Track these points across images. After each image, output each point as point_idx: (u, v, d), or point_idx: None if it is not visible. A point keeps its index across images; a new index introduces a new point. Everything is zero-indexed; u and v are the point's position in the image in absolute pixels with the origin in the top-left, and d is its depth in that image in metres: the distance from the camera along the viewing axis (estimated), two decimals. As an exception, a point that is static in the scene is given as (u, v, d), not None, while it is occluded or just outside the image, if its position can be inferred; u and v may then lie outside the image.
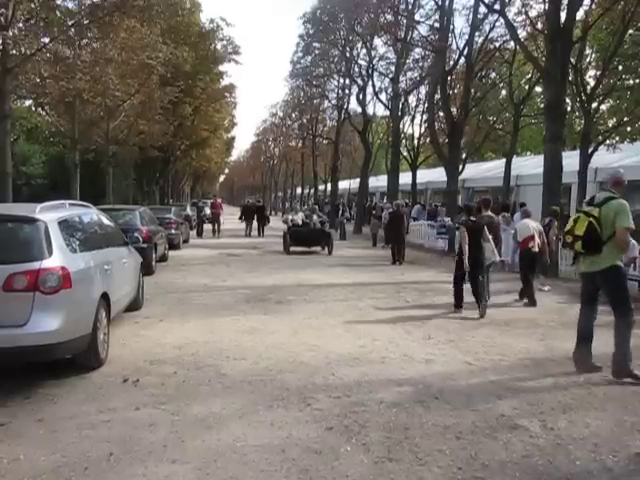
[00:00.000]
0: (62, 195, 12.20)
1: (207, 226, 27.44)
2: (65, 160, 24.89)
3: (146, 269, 10.54)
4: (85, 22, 15.73)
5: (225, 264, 15.35)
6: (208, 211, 30.82)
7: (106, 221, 7.84)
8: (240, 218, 27.64)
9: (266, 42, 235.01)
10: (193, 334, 7.29)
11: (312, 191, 50.73)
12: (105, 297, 6.22)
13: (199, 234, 26.18)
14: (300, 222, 19.21)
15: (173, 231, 18.77)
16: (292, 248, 18.54)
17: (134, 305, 8.49)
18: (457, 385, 5.37)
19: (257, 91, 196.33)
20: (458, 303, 9.03)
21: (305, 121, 45.38)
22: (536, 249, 9.89)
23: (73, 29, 15.33)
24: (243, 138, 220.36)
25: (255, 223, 26.81)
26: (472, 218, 9.18)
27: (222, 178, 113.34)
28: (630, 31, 19.70)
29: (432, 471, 3.70)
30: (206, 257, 17.34)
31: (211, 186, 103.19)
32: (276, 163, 68.64)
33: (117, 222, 9.53)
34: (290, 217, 20.10)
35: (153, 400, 4.90)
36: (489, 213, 10.24)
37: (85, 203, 7.74)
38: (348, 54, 31.57)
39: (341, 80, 36.11)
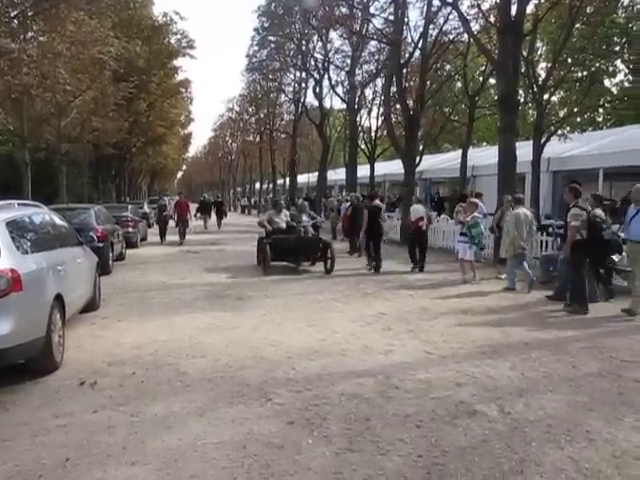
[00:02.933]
0: (13, 196, 11.83)
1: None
2: (15, 159, 24.14)
3: (103, 269, 10.32)
4: (30, 14, 15.23)
5: (184, 261, 15.17)
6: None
7: (59, 221, 7.64)
8: (196, 214, 27.31)
9: (221, 36, 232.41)
10: (152, 333, 7.17)
11: (271, 186, 50.56)
12: (59, 298, 6.06)
13: (162, 238, 21.26)
14: (284, 225, 13.39)
15: (130, 229, 18.42)
16: (274, 263, 12.58)
17: (91, 306, 8.30)
18: (417, 374, 5.43)
19: (213, 86, 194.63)
20: (369, 262, 13.17)
21: (262, 115, 45.25)
22: (424, 228, 13.06)
23: (16, 21, 14.81)
24: (200, 134, 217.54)
25: (214, 217, 26.70)
26: (375, 203, 13.55)
27: (180, 175, 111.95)
28: (577, 25, 20.23)
29: (393, 460, 3.74)
30: (165, 255, 17.09)
31: (169, 183, 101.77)
32: (234, 158, 68.18)
33: (71, 222, 9.31)
34: (266, 218, 13.76)
35: (111, 402, 4.81)
36: (377, 202, 13.98)
37: (36, 203, 7.54)
38: (304, 47, 31.58)
39: (297, 74, 36.22)
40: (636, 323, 7.77)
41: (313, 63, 32.12)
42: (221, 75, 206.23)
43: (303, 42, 31.46)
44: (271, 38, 34.14)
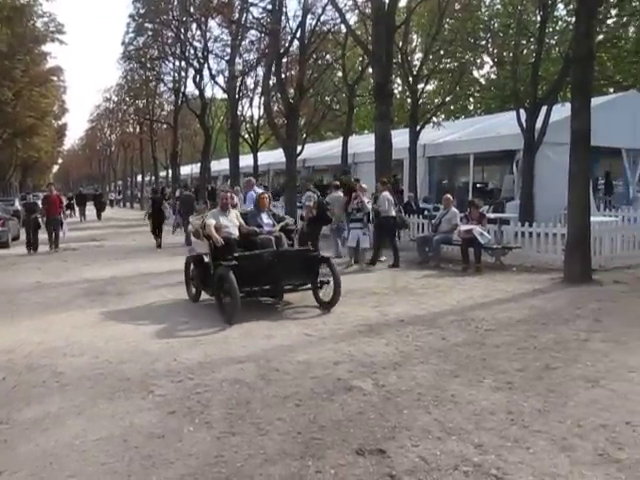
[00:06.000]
0: None
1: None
2: None
3: (-33, 271, 9.54)
4: None
5: (61, 259, 14.45)
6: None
7: None
8: (72, 205, 25.97)
9: (95, 22, 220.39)
10: (26, 335, 6.81)
11: (153, 178, 49.06)
12: None
13: (30, 247, 16.42)
14: (236, 232, 8.19)
15: (-1, 228, 17.16)
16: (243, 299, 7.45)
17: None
18: (296, 356, 5.60)
19: (89, 75, 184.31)
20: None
21: (141, 105, 43.55)
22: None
23: None
24: (76, 125, 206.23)
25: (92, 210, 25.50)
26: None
27: (56, 169, 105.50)
28: (448, 20, 21.38)
29: (273, 439, 3.86)
30: (39, 253, 16.14)
31: (44, 178, 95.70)
32: (113, 150, 65.26)
33: None
34: (210, 223, 7.93)
35: (-24, 412, 4.54)
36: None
37: None
38: (182, 36, 30.69)
39: (177, 62, 35.15)
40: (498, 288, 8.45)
41: (192, 52, 31.30)
42: (97, 63, 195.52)
43: (181, 30, 30.55)
44: (148, 25, 32.87)
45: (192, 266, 8.63)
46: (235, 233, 8.13)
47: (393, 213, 11.67)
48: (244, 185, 11.01)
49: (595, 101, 14.27)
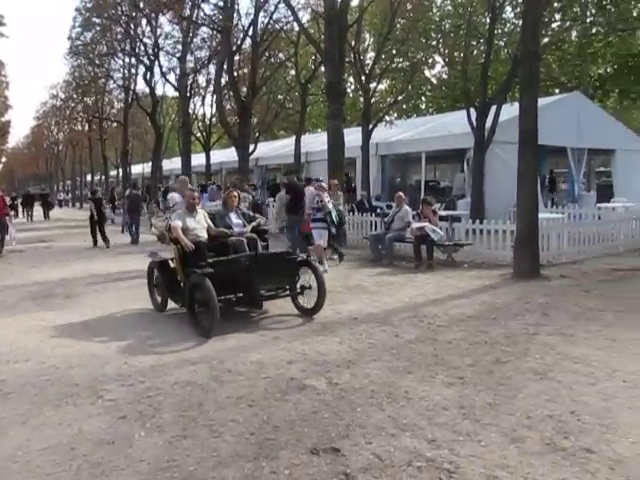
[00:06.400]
0: None
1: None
2: None
3: None
4: None
5: (6, 262, 13.94)
6: None
7: None
8: (16, 206, 25.26)
9: (39, 14, 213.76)
10: (-35, 342, 6.54)
11: (103, 178, 48.01)
12: None
13: None
14: (204, 234, 7.54)
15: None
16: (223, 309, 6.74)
17: None
18: (249, 356, 5.54)
19: (34, 70, 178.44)
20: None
21: (90, 103, 42.55)
22: None
23: None
24: (21, 122, 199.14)
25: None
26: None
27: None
28: (400, 20, 21.64)
29: (226, 441, 3.81)
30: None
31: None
32: (61, 149, 63.52)
33: None
34: (176, 224, 7.28)
35: None
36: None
37: None
38: (132, 32, 30.11)
39: (126, 59, 34.49)
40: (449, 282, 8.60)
41: (143, 48, 30.79)
42: (42, 58, 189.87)
43: (131, 26, 29.95)
44: (96, 20, 32.13)
45: (156, 272, 7.74)
46: (203, 236, 7.45)
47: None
48: (178, 185, 10.49)
49: (542, 101, 14.65)
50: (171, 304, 7.58)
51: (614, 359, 5.23)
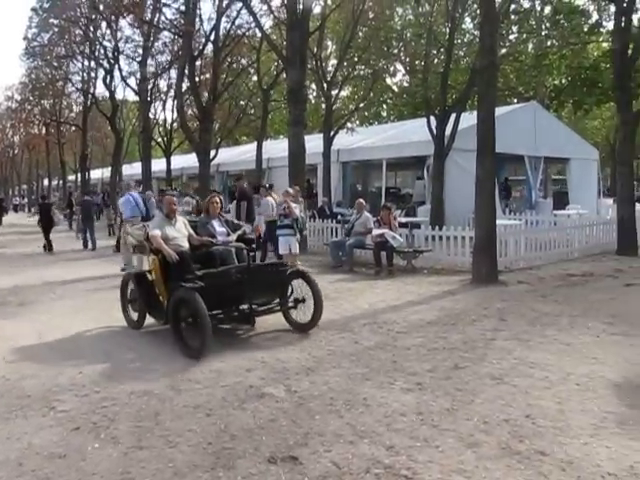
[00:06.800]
0: None
1: None
2: None
3: None
4: None
5: (-44, 269, 13.47)
6: None
7: None
8: None
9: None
10: None
11: (61, 182, 46.96)
12: None
13: None
14: (186, 244, 6.93)
15: None
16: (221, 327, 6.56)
17: None
18: (208, 364, 5.47)
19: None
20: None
21: (48, 106, 41.54)
22: None
23: None
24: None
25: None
26: None
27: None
28: (363, 28, 21.85)
29: (183, 451, 3.74)
30: None
31: None
32: (17, 153, 61.87)
33: None
34: (155, 233, 6.64)
35: None
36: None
37: None
38: (92, 34, 29.53)
39: (86, 62, 33.81)
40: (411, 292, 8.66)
41: (102, 52, 30.21)
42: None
43: (90, 28, 29.36)
44: (53, 21, 31.39)
45: (132, 285, 7.05)
46: (185, 245, 6.83)
47: (273, 212, 11.91)
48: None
49: (499, 111, 14.97)
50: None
51: (568, 363, 5.34)
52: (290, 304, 6.75)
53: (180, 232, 6.96)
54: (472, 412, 4.25)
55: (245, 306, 6.35)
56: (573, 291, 8.96)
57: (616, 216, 13.84)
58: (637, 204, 15.96)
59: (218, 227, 7.32)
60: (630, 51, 13.53)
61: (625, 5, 13.15)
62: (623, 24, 13.15)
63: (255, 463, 3.55)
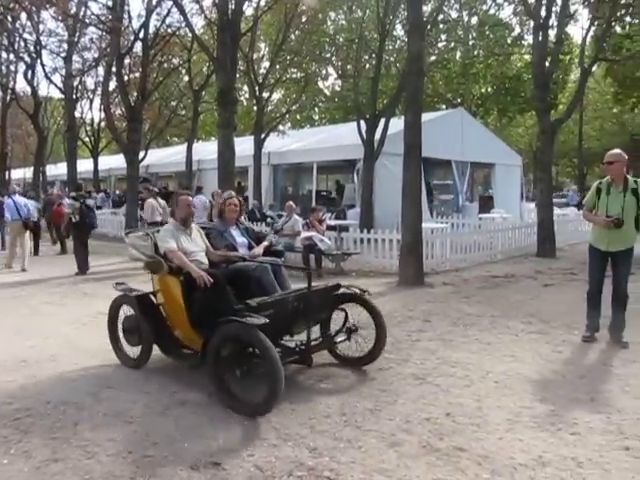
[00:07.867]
0: None
1: None
2: None
3: None
4: None
5: None
6: None
7: None
8: None
9: None
10: None
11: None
12: None
13: None
14: (205, 260, 5.37)
15: None
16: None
17: None
18: (134, 372, 5.33)
19: None
20: None
21: (-37, 101, 39.40)
22: None
23: None
24: None
25: None
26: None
27: None
28: (296, 31, 21.96)
29: (101, 461, 3.61)
30: None
31: None
32: None
33: None
34: (171, 247, 5.08)
35: None
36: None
37: None
38: (10, 25, 28.17)
39: (4, 54, 32.22)
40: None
41: (23, 45, 28.91)
42: None
43: (8, 18, 28.01)
44: (-34, 9, 29.79)
45: (128, 312, 5.51)
46: (205, 262, 5.31)
47: (158, 219, 11.77)
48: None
49: (428, 116, 15.34)
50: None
51: (488, 361, 5.54)
52: (344, 336, 5.37)
53: (197, 244, 5.41)
54: (395, 412, 4.33)
55: (304, 342, 4.92)
56: (495, 292, 9.29)
57: (536, 220, 14.50)
58: (556, 208, 16.78)
59: (238, 237, 5.76)
60: (547, 64, 14.25)
61: (542, 21, 13.83)
62: (541, 38, 13.82)
63: (177, 470, 3.48)
